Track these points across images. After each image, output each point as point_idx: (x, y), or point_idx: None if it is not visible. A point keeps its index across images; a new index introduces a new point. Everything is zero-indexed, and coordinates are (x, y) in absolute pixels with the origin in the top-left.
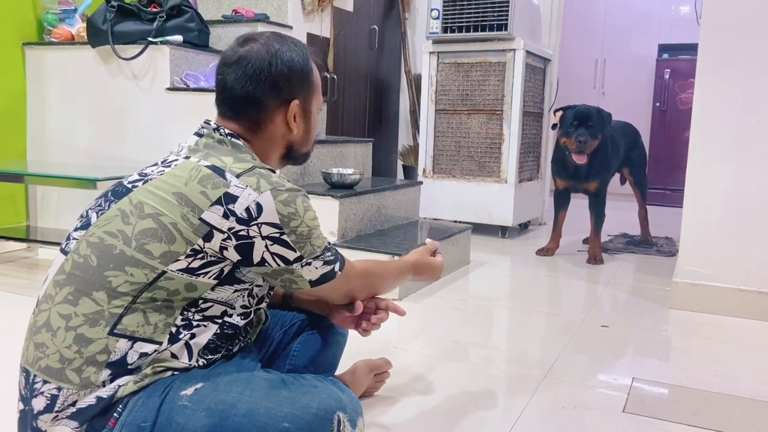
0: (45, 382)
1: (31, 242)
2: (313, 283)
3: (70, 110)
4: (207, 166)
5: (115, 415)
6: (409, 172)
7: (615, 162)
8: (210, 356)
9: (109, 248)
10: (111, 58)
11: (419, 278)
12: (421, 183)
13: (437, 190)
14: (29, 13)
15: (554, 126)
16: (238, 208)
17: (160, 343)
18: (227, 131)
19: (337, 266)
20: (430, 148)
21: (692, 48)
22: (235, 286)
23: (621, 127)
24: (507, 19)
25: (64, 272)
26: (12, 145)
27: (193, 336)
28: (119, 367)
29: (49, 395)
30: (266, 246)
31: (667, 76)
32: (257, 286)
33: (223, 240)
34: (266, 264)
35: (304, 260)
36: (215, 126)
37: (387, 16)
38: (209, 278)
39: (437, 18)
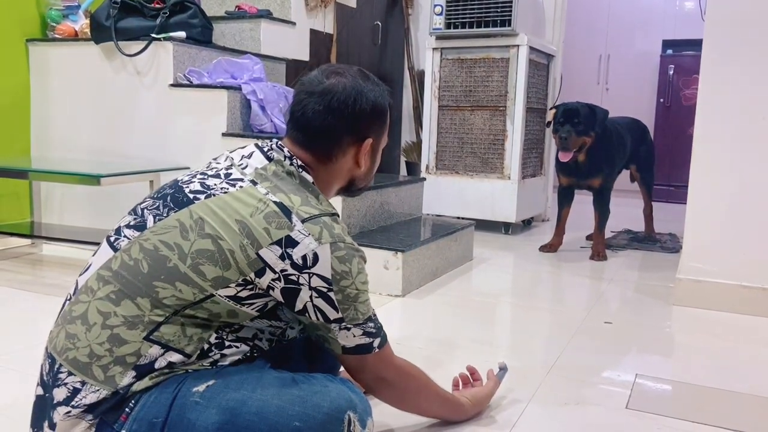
0: (70, 374)
1: (35, 238)
2: (346, 350)
3: (74, 106)
4: (275, 202)
5: (126, 410)
6: (412, 168)
7: (620, 158)
8: (227, 365)
9: (163, 259)
10: (114, 55)
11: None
12: (424, 179)
13: (440, 186)
14: (33, 9)
15: (548, 124)
16: (296, 253)
17: (190, 356)
18: (299, 163)
19: (376, 342)
20: (433, 144)
21: (696, 44)
22: (273, 322)
23: (627, 124)
24: (510, 15)
25: (110, 269)
26: (16, 141)
27: (223, 356)
28: (145, 371)
29: (71, 388)
30: (311, 297)
31: (671, 72)
32: (290, 328)
33: (273, 280)
34: (306, 314)
35: (344, 324)
36: (288, 155)
37: (390, 12)
38: (252, 309)
39: (440, 14)
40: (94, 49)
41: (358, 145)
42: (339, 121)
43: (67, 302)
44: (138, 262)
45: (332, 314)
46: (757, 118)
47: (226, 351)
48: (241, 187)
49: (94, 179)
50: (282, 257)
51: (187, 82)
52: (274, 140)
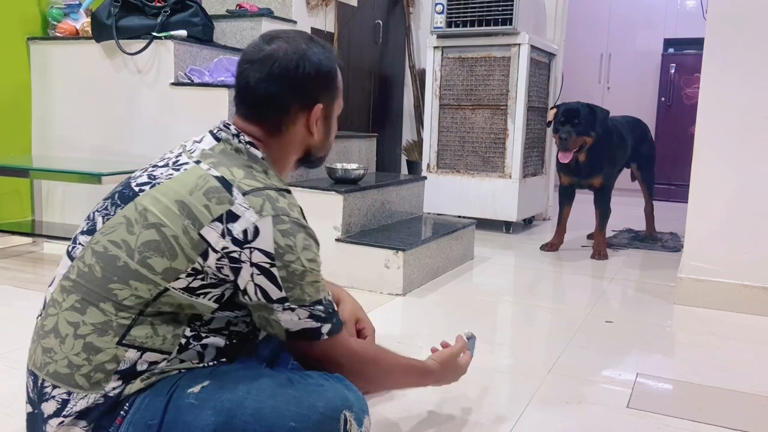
0: (55, 386)
1: (36, 237)
2: (290, 335)
3: (75, 105)
4: (216, 177)
5: (121, 413)
6: (414, 167)
7: (621, 158)
8: (222, 359)
9: (113, 259)
10: (115, 53)
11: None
12: (425, 178)
13: (441, 185)
14: (34, 8)
15: (549, 123)
16: (237, 228)
17: (170, 353)
18: (248, 139)
19: (326, 328)
20: (435, 143)
21: (698, 42)
22: (236, 312)
23: (628, 122)
24: (512, 14)
25: (69, 279)
26: (17, 139)
27: (204, 346)
28: (129, 375)
29: (60, 399)
30: (252, 275)
31: (672, 71)
32: None
33: (218, 260)
34: (247, 295)
35: (288, 304)
36: (236, 132)
37: (391, 11)
38: (209, 301)
39: (442, 12)
40: (95, 47)
41: (308, 111)
42: (283, 88)
43: (39, 318)
44: (92, 268)
45: (275, 293)
46: (759, 117)
47: (205, 341)
48: (185, 169)
49: (95, 178)
50: (223, 234)
51: (188, 81)
52: (222, 121)
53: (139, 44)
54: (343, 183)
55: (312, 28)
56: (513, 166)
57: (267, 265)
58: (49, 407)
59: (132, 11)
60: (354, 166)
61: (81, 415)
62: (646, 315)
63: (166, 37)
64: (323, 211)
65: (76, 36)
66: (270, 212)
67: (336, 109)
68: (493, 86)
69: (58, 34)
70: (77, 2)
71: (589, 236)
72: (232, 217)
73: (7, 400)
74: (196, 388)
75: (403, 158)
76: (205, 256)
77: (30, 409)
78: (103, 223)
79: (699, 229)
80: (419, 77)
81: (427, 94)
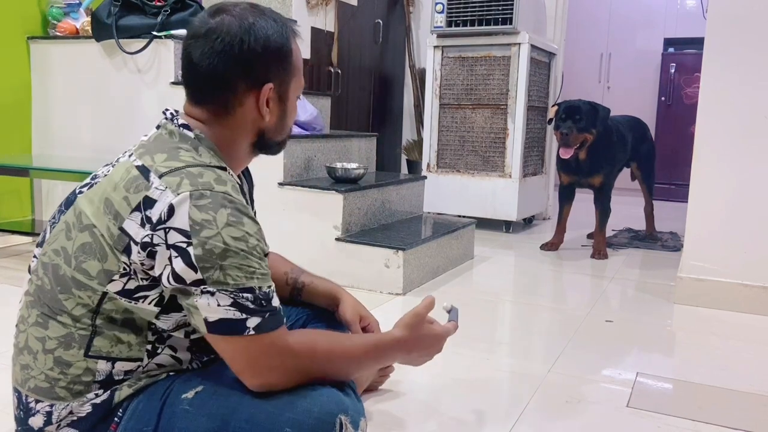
0: (38, 401)
1: (36, 236)
2: (209, 327)
3: (75, 104)
4: (137, 167)
5: (115, 419)
6: (414, 166)
7: (621, 157)
8: (204, 357)
9: (56, 269)
10: (115, 52)
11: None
12: (425, 177)
13: (441, 184)
14: (34, 7)
15: (550, 121)
16: (155, 213)
17: (141, 359)
18: (182, 121)
19: (252, 322)
20: (435, 142)
21: (698, 42)
22: (183, 313)
23: (628, 122)
24: (512, 13)
25: (30, 294)
26: (17, 138)
27: (173, 348)
28: (108, 384)
29: (44, 413)
30: (170, 258)
31: (672, 71)
32: None
33: (138, 253)
34: (161, 283)
35: (205, 287)
36: (171, 115)
37: (391, 10)
38: (148, 304)
39: (442, 12)
40: (95, 46)
41: (256, 91)
42: (226, 65)
43: (14, 335)
44: (43, 280)
45: (189, 275)
46: (759, 117)
47: (170, 342)
48: (115, 165)
49: None
50: (143, 223)
51: None
52: (166, 107)
53: (139, 43)
54: (343, 182)
55: (312, 28)
56: (513, 165)
57: (184, 245)
58: (36, 421)
59: (132, 10)
60: (354, 165)
61: (74, 424)
62: (646, 314)
63: (166, 36)
64: (323, 210)
65: (76, 35)
66: (187, 188)
67: (293, 89)
68: (493, 86)
69: (58, 34)
70: (77, 1)
71: (589, 236)
72: (149, 202)
73: (6, 398)
74: (190, 394)
75: (403, 158)
76: (128, 251)
77: (17, 426)
78: (50, 232)
79: (699, 229)
80: (419, 77)
81: (427, 94)
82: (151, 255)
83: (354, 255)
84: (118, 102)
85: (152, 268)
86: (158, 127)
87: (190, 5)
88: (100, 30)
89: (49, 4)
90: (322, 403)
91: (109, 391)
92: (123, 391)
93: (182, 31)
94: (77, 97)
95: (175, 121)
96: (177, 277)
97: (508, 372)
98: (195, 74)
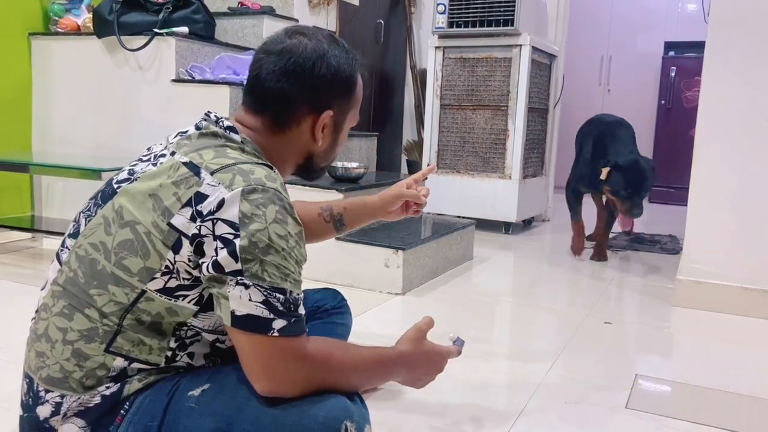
0: (48, 390)
1: (35, 232)
2: (235, 320)
3: (76, 101)
4: (184, 163)
5: (122, 412)
6: (414, 166)
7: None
8: (215, 359)
9: (93, 263)
10: (117, 49)
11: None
12: (426, 178)
13: (441, 185)
14: (35, 3)
15: (601, 181)
16: (205, 207)
17: (158, 365)
18: (228, 124)
19: (278, 323)
20: (435, 143)
21: (699, 46)
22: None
23: (619, 122)
24: (513, 15)
25: (58, 284)
26: (17, 135)
27: (191, 355)
28: (121, 378)
29: (53, 403)
30: (216, 249)
31: (672, 74)
32: None
33: (189, 247)
34: (201, 274)
35: (242, 278)
36: (216, 118)
37: (393, 11)
38: (188, 303)
39: (443, 12)
40: (96, 43)
41: (316, 116)
42: (294, 86)
43: (32, 321)
44: (76, 273)
45: (230, 264)
46: (759, 121)
47: (191, 349)
48: (161, 162)
49: (95, 173)
50: (193, 218)
51: (190, 78)
52: (208, 110)
53: (140, 40)
54: (343, 182)
55: (313, 27)
56: (513, 166)
57: (231, 236)
58: (44, 411)
59: (133, 7)
60: (354, 164)
61: (81, 413)
62: (645, 316)
63: (167, 34)
64: None
65: (77, 32)
66: (241, 184)
67: (349, 120)
68: (494, 87)
69: (59, 30)
70: None
71: (589, 237)
72: (201, 198)
73: (6, 394)
74: (197, 392)
75: (404, 158)
76: (177, 247)
77: (22, 413)
78: (86, 224)
79: (698, 232)
80: (420, 77)
81: (428, 94)
82: (199, 248)
83: (354, 254)
84: (118, 99)
85: (197, 266)
86: (198, 128)
87: (191, 3)
88: (102, 27)
89: (51, 1)
90: (328, 409)
91: (119, 384)
92: (133, 385)
93: (184, 29)
94: (78, 94)
95: (221, 123)
96: (217, 266)
97: (507, 373)
98: (261, 87)
